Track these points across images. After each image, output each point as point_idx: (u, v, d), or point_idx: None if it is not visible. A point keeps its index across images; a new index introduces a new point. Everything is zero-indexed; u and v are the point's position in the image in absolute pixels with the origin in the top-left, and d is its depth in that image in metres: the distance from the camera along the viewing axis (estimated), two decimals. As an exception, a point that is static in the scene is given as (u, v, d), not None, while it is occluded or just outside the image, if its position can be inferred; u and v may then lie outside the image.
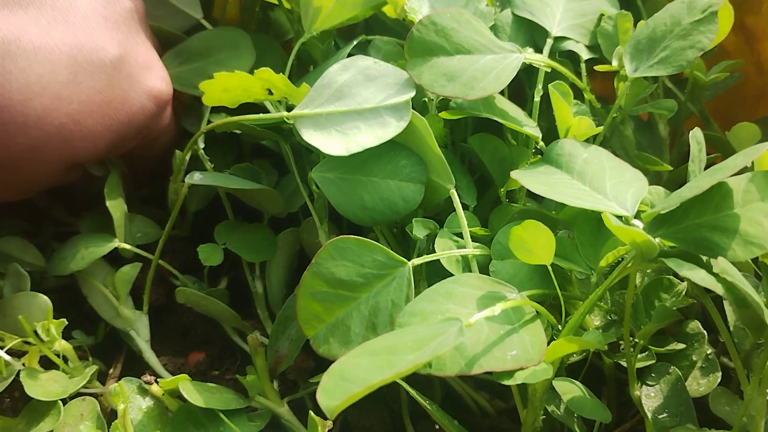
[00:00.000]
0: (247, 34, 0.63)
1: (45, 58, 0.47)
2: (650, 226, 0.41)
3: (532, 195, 0.59)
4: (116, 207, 0.57)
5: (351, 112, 0.49)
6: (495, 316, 0.41)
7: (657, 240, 0.42)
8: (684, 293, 0.45)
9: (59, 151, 0.49)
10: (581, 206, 0.43)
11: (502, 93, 0.57)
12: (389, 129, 0.48)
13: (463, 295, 0.43)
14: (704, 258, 0.40)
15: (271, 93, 0.54)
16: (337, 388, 0.33)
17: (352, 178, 0.51)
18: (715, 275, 0.36)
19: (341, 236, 0.46)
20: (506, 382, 0.39)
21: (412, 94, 0.48)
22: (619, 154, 0.60)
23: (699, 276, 0.36)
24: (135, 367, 0.60)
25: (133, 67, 0.53)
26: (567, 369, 0.50)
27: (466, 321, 0.37)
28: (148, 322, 0.60)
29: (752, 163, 0.43)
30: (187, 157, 0.57)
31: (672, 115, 0.58)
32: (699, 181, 0.40)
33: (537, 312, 0.42)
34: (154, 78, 0.55)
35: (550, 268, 0.43)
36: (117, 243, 0.57)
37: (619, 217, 0.43)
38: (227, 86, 0.53)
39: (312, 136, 0.48)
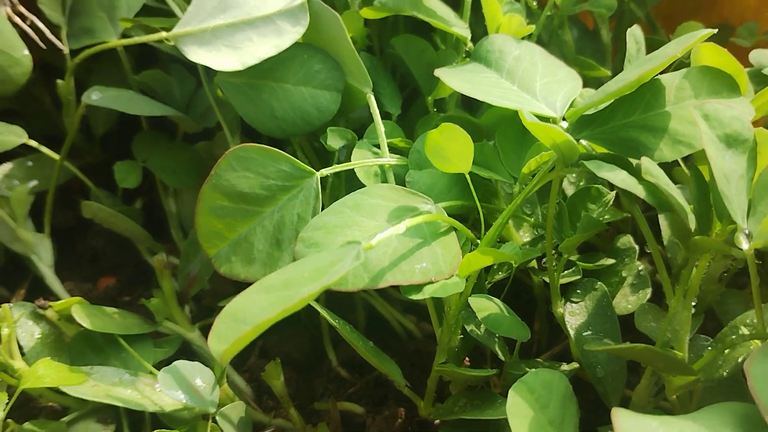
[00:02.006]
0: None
1: None
2: (575, 127, 0.38)
3: (465, 106, 0.55)
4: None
5: (240, 23, 0.44)
6: (406, 230, 0.37)
7: (584, 142, 0.38)
8: (611, 203, 0.42)
9: None
10: (506, 106, 0.40)
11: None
12: (286, 36, 0.43)
13: (373, 207, 0.39)
14: (634, 162, 0.37)
15: None
16: (229, 330, 0.30)
17: (260, 83, 0.46)
18: (638, 176, 0.33)
19: (243, 144, 0.42)
20: (414, 297, 0.36)
21: (307, -4, 0.43)
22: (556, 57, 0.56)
23: (619, 177, 0.32)
24: (40, 294, 0.55)
25: None
26: (494, 288, 0.47)
27: (367, 243, 0.33)
28: (50, 245, 0.55)
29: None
30: (72, 84, 0.52)
31: (616, 20, 0.54)
32: (626, 74, 0.36)
33: (453, 226, 0.39)
34: None
35: (468, 176, 0.40)
36: (25, 138, 0.51)
37: (544, 119, 0.39)
38: None
39: (198, 55, 0.44)
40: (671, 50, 0.34)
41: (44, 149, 0.53)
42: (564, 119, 0.39)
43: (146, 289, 0.57)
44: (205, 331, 0.51)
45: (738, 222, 0.31)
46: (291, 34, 0.44)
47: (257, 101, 0.46)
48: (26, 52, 0.51)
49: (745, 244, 0.31)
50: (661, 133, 0.35)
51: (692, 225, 0.32)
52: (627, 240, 0.46)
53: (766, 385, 0.26)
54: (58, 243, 0.56)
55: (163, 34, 0.46)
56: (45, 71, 0.59)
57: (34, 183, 0.55)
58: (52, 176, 0.54)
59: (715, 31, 0.34)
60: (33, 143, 0.52)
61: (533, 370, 0.33)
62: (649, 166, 0.32)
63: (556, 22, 0.53)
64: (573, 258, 0.46)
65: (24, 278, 0.57)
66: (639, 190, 0.32)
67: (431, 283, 0.36)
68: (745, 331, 0.35)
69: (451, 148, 0.39)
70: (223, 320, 0.30)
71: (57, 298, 0.54)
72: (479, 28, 0.54)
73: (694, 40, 0.33)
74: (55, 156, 0.53)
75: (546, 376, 0.33)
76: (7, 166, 0.55)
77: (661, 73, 0.38)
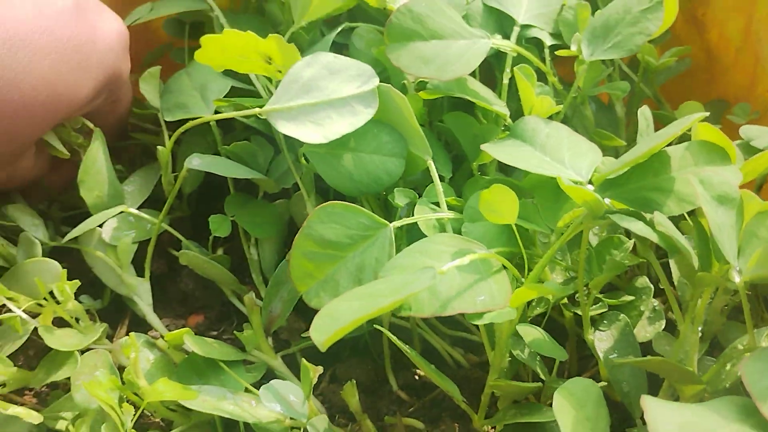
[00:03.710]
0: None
1: (13, 16, 0.50)
2: (600, 189, 0.47)
3: (501, 170, 0.65)
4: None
5: (321, 103, 0.53)
6: (465, 267, 0.47)
7: (607, 201, 0.48)
8: (630, 249, 0.51)
9: (46, 105, 0.53)
10: (542, 173, 0.50)
11: (473, 75, 0.63)
12: (360, 116, 0.53)
13: (437, 251, 0.49)
14: (647, 216, 0.46)
15: (269, 63, 0.58)
16: (327, 325, 0.39)
17: (339, 152, 0.56)
18: (652, 227, 0.42)
19: (330, 201, 0.52)
20: (476, 322, 0.45)
21: (376, 83, 0.53)
22: (580, 131, 0.65)
23: (637, 227, 0.42)
24: (139, 329, 0.65)
25: (89, 10, 0.56)
26: (531, 322, 0.56)
27: (439, 269, 0.43)
28: (149, 288, 0.65)
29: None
30: (170, 151, 0.62)
31: (629, 97, 0.64)
32: (639, 147, 0.46)
33: (503, 265, 0.48)
34: (111, 18, 0.59)
35: (514, 227, 0.49)
36: (123, 207, 0.62)
37: (575, 182, 0.49)
38: (228, 45, 0.56)
39: (287, 128, 0.53)
40: (673, 129, 0.44)
41: (143, 214, 0.63)
42: (590, 182, 0.49)
43: (230, 326, 0.66)
44: (286, 360, 0.60)
45: (731, 261, 0.40)
46: (364, 114, 0.54)
47: (338, 167, 0.56)
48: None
49: (737, 278, 0.40)
50: (668, 193, 0.45)
51: (696, 264, 0.42)
52: (644, 280, 0.55)
53: (756, 379, 0.34)
54: (152, 287, 0.66)
55: (257, 110, 0.56)
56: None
57: (133, 234, 0.65)
58: (150, 229, 0.64)
59: (707, 114, 0.45)
60: (133, 211, 0.63)
61: (571, 379, 0.42)
62: (660, 218, 0.42)
63: (579, 100, 0.63)
64: (599, 295, 0.55)
65: (124, 316, 0.66)
66: (654, 237, 0.42)
67: (488, 311, 0.46)
68: (740, 347, 0.44)
69: (500, 203, 0.49)
70: (322, 318, 0.39)
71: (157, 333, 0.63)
72: (513, 103, 0.64)
73: (690, 122, 0.44)
74: (154, 220, 0.63)
75: (583, 382, 0.42)
76: (113, 222, 0.65)
77: (668, 145, 0.48)
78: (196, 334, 0.65)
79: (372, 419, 0.59)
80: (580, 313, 0.52)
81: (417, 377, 0.62)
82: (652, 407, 0.34)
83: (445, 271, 0.43)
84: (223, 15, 0.70)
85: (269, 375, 0.59)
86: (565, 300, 0.55)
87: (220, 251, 0.70)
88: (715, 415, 0.34)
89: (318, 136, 0.54)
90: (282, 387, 0.52)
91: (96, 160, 0.62)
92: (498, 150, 0.53)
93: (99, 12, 0.58)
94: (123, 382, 0.51)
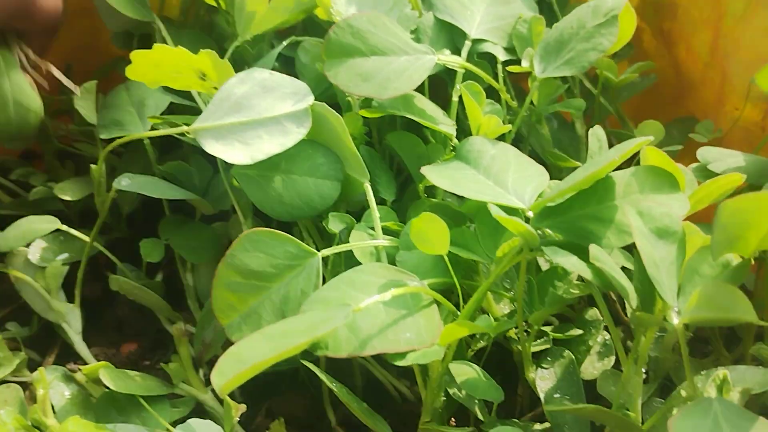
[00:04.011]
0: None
1: None
2: (538, 217, 0.44)
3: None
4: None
5: (251, 122, 0.50)
6: (393, 302, 0.43)
7: (548, 230, 0.44)
8: (575, 281, 0.48)
9: None
10: (481, 199, 0.46)
11: (422, 93, 0.59)
12: (291, 136, 0.50)
13: (365, 282, 0.45)
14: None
15: (204, 79, 0.55)
16: (230, 368, 0.36)
17: (270, 174, 0.53)
18: (588, 261, 0.39)
19: (255, 228, 0.48)
20: (398, 363, 0.41)
21: (311, 101, 0.50)
22: (538, 151, 0.63)
23: (570, 262, 0.38)
24: (69, 358, 0.61)
25: None
26: (478, 355, 0.52)
27: (356, 306, 0.39)
28: (80, 314, 0.61)
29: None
30: (103, 169, 0.59)
31: (590, 115, 0.61)
32: (575, 174, 0.42)
33: (435, 300, 0.44)
34: None
35: (446, 257, 0.46)
36: (57, 224, 0.58)
37: (515, 210, 0.45)
38: (161, 61, 0.53)
39: (214, 148, 0.50)
40: (612, 155, 0.40)
41: (75, 232, 0.60)
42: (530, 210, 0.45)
43: (165, 355, 0.63)
44: (217, 394, 0.57)
45: (668, 301, 0.36)
46: (295, 134, 0.50)
47: (268, 190, 0.52)
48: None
49: (675, 320, 0.36)
50: (608, 224, 0.41)
51: (634, 303, 0.38)
52: (594, 312, 0.51)
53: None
54: (86, 312, 0.63)
55: (185, 128, 0.52)
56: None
57: (65, 256, 0.62)
58: (81, 250, 0.61)
59: (651, 138, 0.41)
60: (65, 228, 0.59)
61: (497, 429, 0.38)
62: (596, 252, 0.38)
63: (533, 118, 0.60)
64: (547, 329, 0.51)
65: (54, 344, 0.63)
66: (587, 273, 0.38)
67: (414, 351, 0.42)
68: (683, 393, 0.40)
69: (430, 233, 0.45)
70: (226, 360, 0.36)
71: (84, 363, 0.59)
72: (468, 122, 0.61)
73: (631, 147, 0.40)
74: (86, 238, 0.59)
75: (508, 431, 0.38)
76: (41, 242, 0.61)
77: (618, 168, 0.45)
78: (128, 363, 0.62)
79: (308, 458, 0.55)
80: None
81: (359, 412, 0.58)
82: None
83: (362, 308, 0.40)
84: (167, 28, 0.67)
85: (199, 410, 0.56)
86: (513, 333, 0.52)
87: (159, 276, 0.67)
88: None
89: (244, 156, 0.50)
90: (200, 426, 0.48)
91: None
92: (437, 173, 0.49)
93: None
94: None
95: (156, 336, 0.64)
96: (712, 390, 0.39)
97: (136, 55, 0.54)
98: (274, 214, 0.53)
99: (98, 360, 0.60)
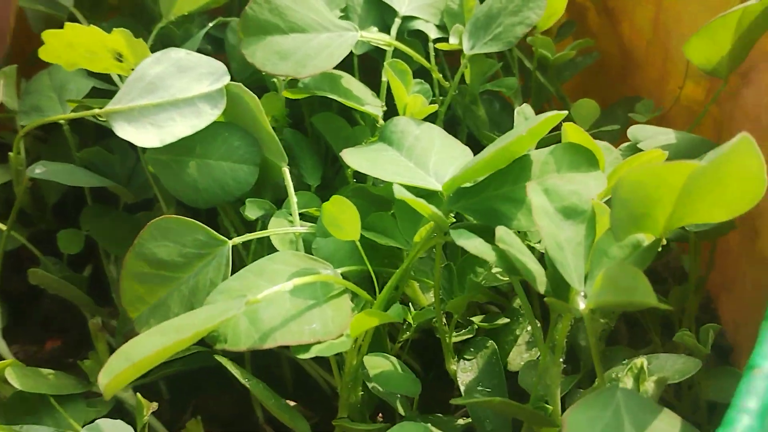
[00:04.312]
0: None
1: None
2: (452, 199, 0.41)
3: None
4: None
5: (165, 103, 0.48)
6: (298, 291, 0.41)
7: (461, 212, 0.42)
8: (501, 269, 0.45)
9: None
10: (395, 181, 0.43)
11: (351, 73, 0.57)
12: (204, 117, 0.48)
13: (275, 271, 0.43)
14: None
15: (120, 60, 0.52)
16: (116, 366, 0.33)
17: (184, 159, 0.50)
18: (493, 244, 0.36)
19: (163, 216, 0.46)
20: (301, 356, 0.39)
21: (226, 81, 0.48)
22: (474, 132, 0.60)
23: (472, 244, 0.36)
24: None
25: None
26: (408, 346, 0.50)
27: (254, 297, 0.37)
28: (1, 309, 0.58)
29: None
30: (22, 157, 0.56)
31: (531, 95, 0.58)
32: (484, 152, 0.40)
33: (346, 288, 0.42)
34: None
35: (358, 243, 0.43)
36: None
37: (434, 192, 0.43)
38: (74, 41, 0.51)
39: (125, 131, 0.47)
40: (521, 130, 0.38)
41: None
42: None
43: (90, 351, 0.60)
44: (145, 390, 0.54)
45: (574, 285, 0.34)
46: (208, 115, 0.48)
47: (182, 175, 0.50)
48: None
49: (581, 305, 0.34)
50: (520, 205, 0.39)
51: (541, 288, 0.36)
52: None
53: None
54: (10, 307, 0.60)
55: (96, 110, 0.50)
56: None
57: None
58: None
59: (565, 113, 0.38)
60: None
61: (400, 423, 0.36)
62: (503, 234, 0.36)
63: (467, 99, 0.57)
64: (476, 318, 0.49)
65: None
66: (490, 256, 0.36)
67: (320, 342, 0.40)
68: (596, 384, 0.38)
69: (342, 218, 0.43)
70: (116, 357, 0.34)
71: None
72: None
73: (539, 122, 0.37)
74: (2, 227, 0.57)
75: (410, 428, 0.36)
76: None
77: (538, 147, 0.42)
78: (50, 359, 0.59)
79: (233, 456, 0.53)
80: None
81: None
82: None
83: (262, 299, 0.37)
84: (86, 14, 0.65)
85: (120, 408, 0.53)
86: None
87: (87, 269, 0.64)
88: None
89: (155, 139, 0.48)
90: (109, 427, 0.46)
91: None
92: (357, 156, 0.47)
93: None
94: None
95: (81, 332, 0.61)
96: (629, 380, 0.37)
97: (48, 34, 0.51)
98: (189, 201, 0.50)
99: (17, 358, 0.57)
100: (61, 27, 0.55)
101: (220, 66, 0.49)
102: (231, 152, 0.50)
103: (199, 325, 0.35)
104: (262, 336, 0.39)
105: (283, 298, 0.41)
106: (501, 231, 0.36)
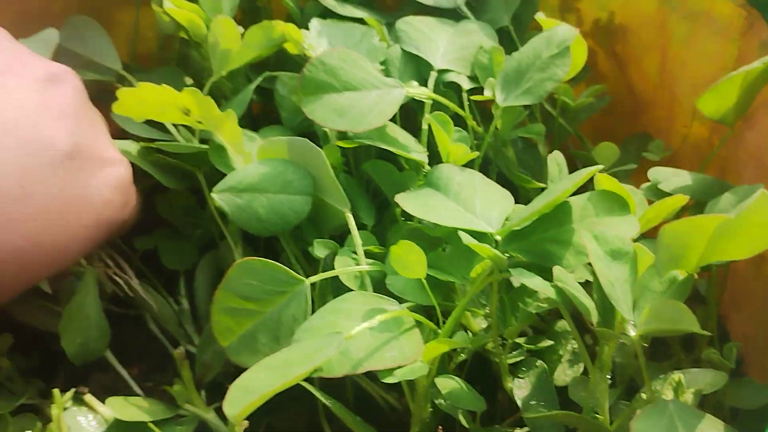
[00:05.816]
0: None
1: None
2: (505, 241, 0.48)
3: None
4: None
5: None
6: (376, 327, 0.47)
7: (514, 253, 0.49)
8: (545, 298, 0.52)
9: (17, 278, 0.44)
10: (453, 225, 0.50)
11: (394, 122, 0.63)
12: None
13: (349, 311, 0.49)
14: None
15: (187, 114, 0.58)
16: (239, 399, 0.40)
17: (247, 194, 0.56)
18: (551, 281, 0.43)
19: (247, 258, 0.52)
20: (387, 380, 0.46)
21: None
22: (504, 173, 0.67)
23: (534, 283, 0.43)
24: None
25: (88, 157, 0.47)
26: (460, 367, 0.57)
27: (347, 333, 0.43)
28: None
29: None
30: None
31: (551, 136, 0.65)
32: (536, 202, 0.47)
33: (417, 321, 0.49)
34: (111, 163, 0.51)
35: (424, 281, 0.50)
36: None
37: (485, 234, 0.50)
38: (146, 98, 0.56)
39: None
40: (565, 185, 0.45)
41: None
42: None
43: (164, 377, 0.66)
44: (219, 412, 0.60)
45: (625, 316, 0.41)
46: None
47: (246, 208, 0.56)
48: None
49: (632, 332, 0.41)
50: (567, 246, 0.46)
51: (594, 319, 0.42)
52: (563, 324, 0.56)
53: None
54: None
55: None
56: None
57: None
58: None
59: (601, 167, 0.46)
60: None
61: None
62: (558, 273, 0.43)
63: (499, 143, 0.64)
64: (521, 340, 0.56)
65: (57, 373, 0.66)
66: (550, 293, 0.43)
67: (400, 367, 0.46)
68: (643, 396, 0.45)
69: (409, 259, 0.49)
70: (235, 391, 0.39)
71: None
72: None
73: (583, 176, 0.45)
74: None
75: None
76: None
77: (576, 193, 0.49)
78: (129, 385, 0.65)
79: (305, 469, 0.59)
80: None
81: (351, 423, 0.62)
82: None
83: (353, 335, 0.44)
84: (137, 71, 0.71)
85: (202, 428, 0.59)
86: (491, 347, 0.56)
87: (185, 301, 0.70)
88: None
89: None
90: (207, 447, 0.52)
91: (83, 305, 0.59)
92: (410, 200, 0.54)
93: (99, 155, 0.49)
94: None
95: (157, 357, 0.67)
96: (669, 392, 0.44)
97: (122, 93, 0.57)
98: (254, 230, 0.56)
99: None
100: (111, 89, 0.61)
101: None
102: (286, 185, 0.56)
103: (308, 361, 0.41)
104: (353, 365, 0.45)
105: (365, 333, 0.47)
106: (557, 271, 0.43)
